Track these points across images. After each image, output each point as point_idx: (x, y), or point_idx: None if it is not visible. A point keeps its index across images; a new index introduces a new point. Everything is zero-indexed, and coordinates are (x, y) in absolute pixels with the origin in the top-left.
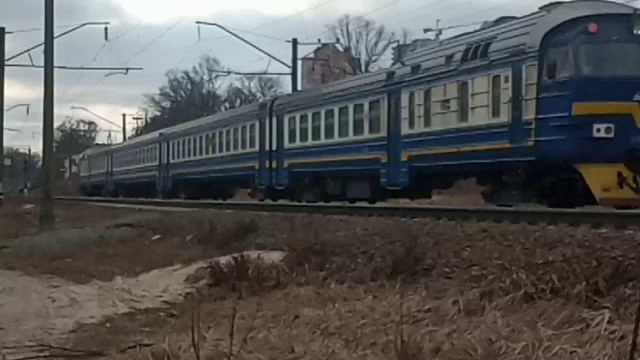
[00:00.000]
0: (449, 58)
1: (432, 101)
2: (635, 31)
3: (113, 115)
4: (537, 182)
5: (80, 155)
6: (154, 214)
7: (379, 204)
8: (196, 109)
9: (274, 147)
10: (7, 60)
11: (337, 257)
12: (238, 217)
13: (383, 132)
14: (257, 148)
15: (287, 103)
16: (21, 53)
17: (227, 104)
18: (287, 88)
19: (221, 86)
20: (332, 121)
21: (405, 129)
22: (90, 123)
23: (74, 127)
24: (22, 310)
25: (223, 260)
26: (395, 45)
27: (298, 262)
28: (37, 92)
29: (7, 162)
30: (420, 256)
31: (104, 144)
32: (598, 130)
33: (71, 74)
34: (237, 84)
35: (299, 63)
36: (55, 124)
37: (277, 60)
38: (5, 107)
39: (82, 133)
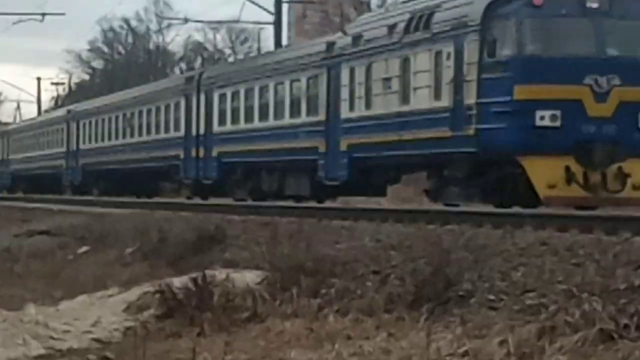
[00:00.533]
0: (392, 28)
1: (374, 79)
2: (587, 4)
3: (23, 79)
4: (480, 176)
5: None
6: (80, 217)
7: (395, 205)
8: (140, 71)
9: (201, 132)
10: None
11: (338, 279)
12: (198, 223)
13: (322, 116)
14: (182, 132)
15: (217, 76)
16: None
17: (183, 65)
18: (268, 43)
19: (175, 39)
20: (267, 100)
21: (345, 112)
22: None
23: None
24: None
25: (177, 282)
26: None
27: (282, 286)
28: None
29: None
30: (454, 278)
31: (6, 123)
32: (542, 117)
33: None
34: (198, 37)
35: (285, 7)
36: None
37: (254, 3)
38: None
39: None
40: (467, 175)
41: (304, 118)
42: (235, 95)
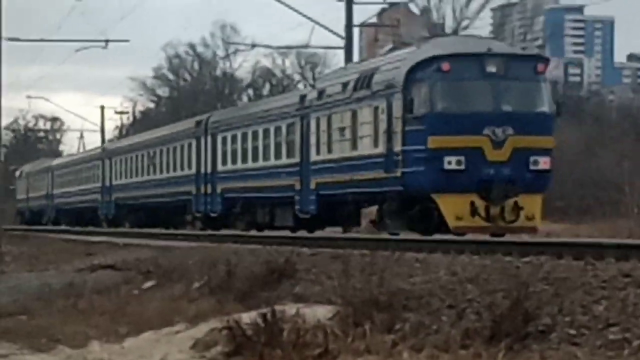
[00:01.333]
0: (345, 85)
1: (333, 128)
2: (486, 69)
3: (87, 107)
4: (407, 210)
5: (18, 173)
6: (145, 250)
7: (471, 237)
8: (207, 98)
9: (208, 170)
10: None
11: (412, 313)
12: (267, 256)
13: (297, 158)
14: (194, 171)
15: (220, 121)
16: None
17: (250, 91)
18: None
19: (242, 65)
20: (258, 143)
21: (313, 156)
22: (55, 119)
23: (30, 125)
24: None
25: (246, 318)
26: (495, 6)
27: (355, 322)
28: None
29: None
30: (533, 312)
31: (69, 155)
32: (450, 162)
33: (27, 49)
34: (266, 62)
35: (356, 32)
36: (4, 121)
37: (324, 27)
38: None
39: (42, 134)
40: (398, 209)
41: (284, 160)
42: (234, 138)
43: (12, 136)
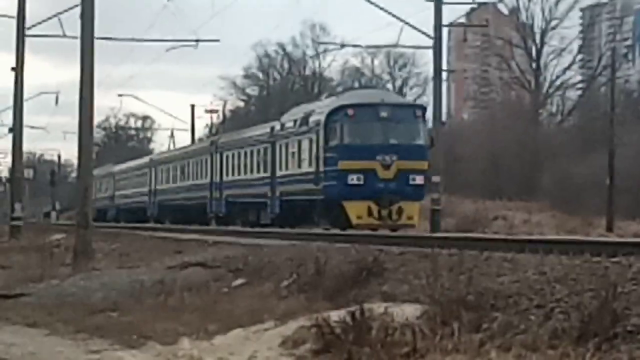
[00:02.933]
0: (295, 121)
1: (289, 152)
2: (380, 114)
3: (177, 106)
4: (327, 212)
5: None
6: (235, 248)
7: (560, 237)
8: (296, 98)
9: (217, 180)
10: (29, 28)
11: (500, 313)
12: (356, 254)
13: (269, 173)
14: (208, 180)
15: (226, 142)
16: (48, 18)
17: (340, 90)
18: (426, 67)
19: (332, 65)
20: (247, 161)
21: (278, 171)
22: (145, 118)
23: (122, 123)
24: None
25: (335, 315)
26: (584, 6)
27: (443, 321)
28: (70, 75)
29: (28, 173)
30: (621, 313)
31: (126, 162)
32: (352, 179)
33: (119, 48)
34: (355, 62)
35: (445, 31)
36: (97, 119)
37: (413, 27)
38: (26, 94)
39: (133, 132)
40: (322, 211)
41: (262, 174)
42: (234, 156)
43: (103, 134)
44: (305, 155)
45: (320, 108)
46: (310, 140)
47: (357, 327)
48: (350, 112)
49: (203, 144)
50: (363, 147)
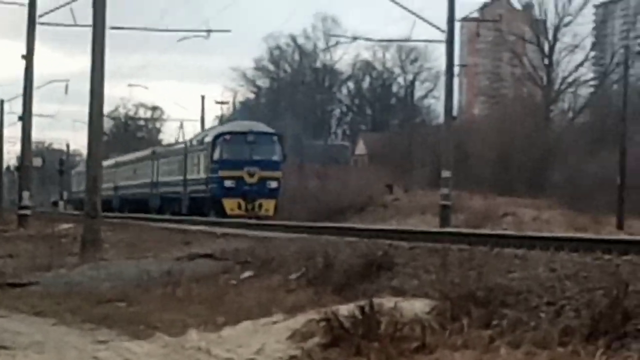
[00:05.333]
0: (198, 141)
1: (194, 162)
2: (247, 139)
3: (187, 97)
4: (214, 206)
5: (72, 172)
6: (243, 240)
7: (572, 234)
8: (307, 90)
9: (155, 180)
10: (40, 17)
11: (510, 309)
12: (365, 249)
13: (182, 177)
14: (150, 180)
15: (160, 152)
16: (59, 7)
17: (351, 84)
18: (438, 62)
19: (343, 58)
20: (171, 167)
21: (187, 176)
22: (155, 108)
23: (131, 113)
24: None
25: (343, 310)
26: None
27: (452, 316)
28: (80, 64)
29: (37, 162)
30: (632, 311)
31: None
32: (228, 183)
33: (129, 38)
34: (367, 55)
35: (457, 26)
36: (106, 109)
37: (426, 21)
38: (36, 83)
39: (143, 122)
40: (211, 205)
41: (178, 177)
42: (163, 163)
43: (112, 124)
44: (201, 165)
45: (211, 133)
46: (204, 155)
47: (366, 321)
48: (227, 137)
49: (147, 152)
50: (235, 161)
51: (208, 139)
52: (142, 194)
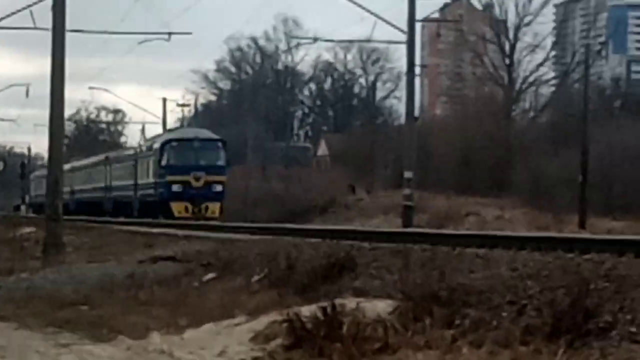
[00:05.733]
0: (147, 147)
1: (144, 167)
2: (194, 145)
3: (149, 99)
4: (162, 208)
5: (31, 176)
6: (206, 243)
7: (534, 233)
8: (268, 92)
9: (109, 184)
10: None
11: (472, 309)
12: (328, 250)
13: (133, 181)
14: (104, 184)
15: (113, 157)
16: (19, 10)
17: (313, 85)
18: (399, 63)
19: (304, 59)
20: (122, 172)
21: (138, 180)
22: (117, 111)
23: (93, 116)
24: None
25: (306, 311)
26: (558, 2)
27: (415, 316)
28: (41, 67)
29: None
30: (593, 310)
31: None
32: (175, 188)
33: (90, 40)
34: (328, 56)
35: (418, 26)
36: (67, 112)
37: (387, 22)
38: None
39: (104, 125)
40: (159, 208)
41: (130, 181)
42: (116, 168)
43: (74, 127)
44: (150, 171)
45: (159, 139)
46: (153, 161)
47: (328, 322)
48: (174, 143)
49: (101, 157)
50: (182, 166)
51: (156, 145)
52: (96, 197)
